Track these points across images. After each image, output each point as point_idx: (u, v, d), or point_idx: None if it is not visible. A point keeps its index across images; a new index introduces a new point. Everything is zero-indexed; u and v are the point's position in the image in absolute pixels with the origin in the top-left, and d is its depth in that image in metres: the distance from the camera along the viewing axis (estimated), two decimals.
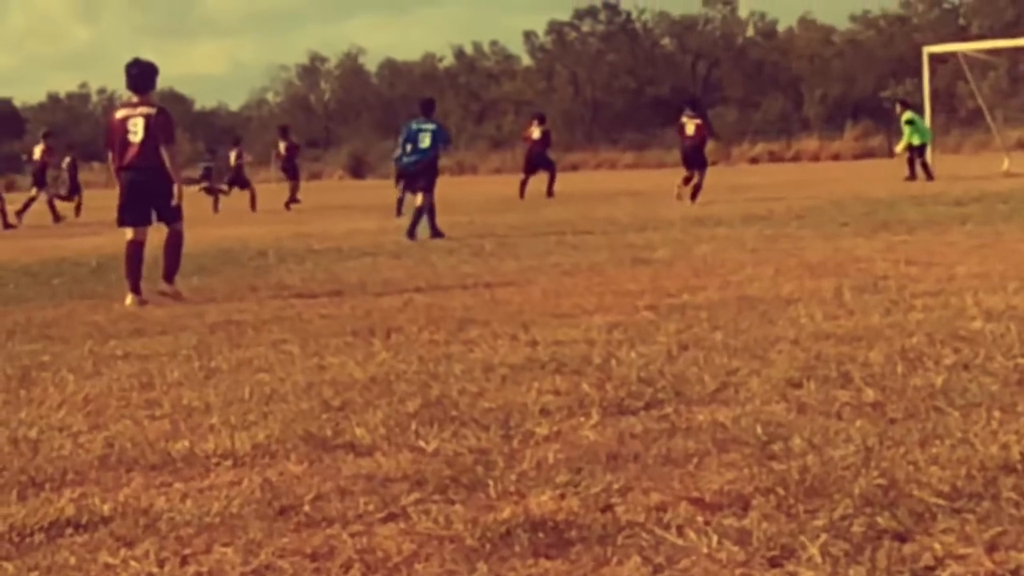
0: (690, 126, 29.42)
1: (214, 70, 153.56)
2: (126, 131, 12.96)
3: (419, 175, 20.95)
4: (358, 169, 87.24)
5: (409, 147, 21.00)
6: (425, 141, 20.84)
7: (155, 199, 13.02)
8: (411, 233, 20.15)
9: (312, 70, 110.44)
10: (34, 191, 35.54)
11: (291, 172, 37.94)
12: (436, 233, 20.32)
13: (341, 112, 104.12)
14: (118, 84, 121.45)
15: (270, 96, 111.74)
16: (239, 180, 38.27)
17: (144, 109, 13.02)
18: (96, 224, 31.54)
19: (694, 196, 28.39)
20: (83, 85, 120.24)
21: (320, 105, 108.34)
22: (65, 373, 8.34)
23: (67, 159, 39.27)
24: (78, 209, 36.87)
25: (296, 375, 7.81)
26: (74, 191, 38.24)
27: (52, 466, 5.77)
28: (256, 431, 6.22)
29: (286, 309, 11.50)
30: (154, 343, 9.65)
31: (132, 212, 13.14)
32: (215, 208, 36.51)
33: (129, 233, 13.13)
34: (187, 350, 9.14)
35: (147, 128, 12.89)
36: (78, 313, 12.02)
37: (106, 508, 5.03)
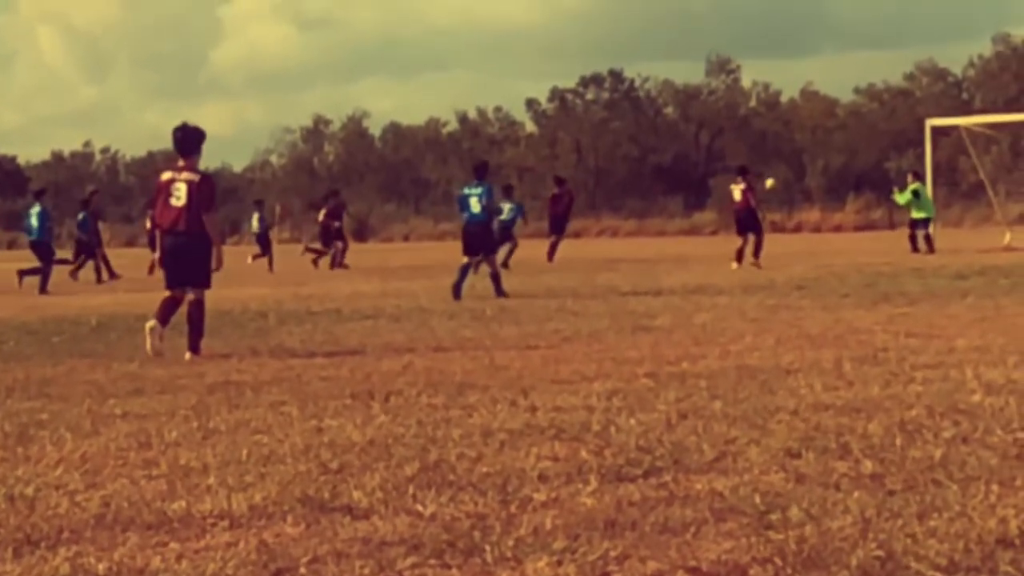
0: (736, 192, 29.65)
1: (220, 131, 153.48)
2: (169, 194, 13.21)
3: (476, 238, 21.34)
4: (360, 232, 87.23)
5: (466, 215, 21.42)
6: (475, 206, 21.21)
7: (189, 263, 13.24)
8: (498, 291, 20.81)
9: (316, 132, 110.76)
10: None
11: (338, 235, 38.23)
12: (500, 292, 20.88)
13: (344, 175, 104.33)
14: (122, 143, 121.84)
15: (274, 158, 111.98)
16: (326, 235, 38.45)
17: (187, 175, 13.25)
18: (96, 283, 31.58)
19: (756, 254, 28.52)
20: (87, 144, 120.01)
21: (323, 168, 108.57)
22: (63, 431, 8.33)
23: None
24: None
25: (294, 437, 7.80)
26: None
27: (48, 524, 5.76)
28: (253, 492, 6.21)
29: (285, 371, 11.50)
30: (152, 403, 9.65)
31: (172, 276, 13.48)
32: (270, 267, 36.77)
33: (167, 292, 13.49)
34: (185, 410, 9.13)
35: (189, 194, 13.10)
36: (77, 372, 12.02)
37: (101, 567, 5.02)
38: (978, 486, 5.82)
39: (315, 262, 37.63)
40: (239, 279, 27.96)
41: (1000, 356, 10.68)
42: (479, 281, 21.31)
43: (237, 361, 12.47)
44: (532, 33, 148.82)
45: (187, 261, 13.29)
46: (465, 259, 21.15)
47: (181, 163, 13.44)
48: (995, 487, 5.80)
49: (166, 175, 13.50)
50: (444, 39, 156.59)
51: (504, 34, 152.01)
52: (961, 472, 6.15)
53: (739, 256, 28.85)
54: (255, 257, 38.77)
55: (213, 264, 13.38)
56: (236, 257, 38.45)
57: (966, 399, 8.42)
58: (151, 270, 34.61)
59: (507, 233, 31.53)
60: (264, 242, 39.48)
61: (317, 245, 39.03)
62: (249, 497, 6.10)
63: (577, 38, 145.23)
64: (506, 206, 32.99)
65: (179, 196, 13.18)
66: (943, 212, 48.65)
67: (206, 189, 13.32)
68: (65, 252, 35.97)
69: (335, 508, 5.86)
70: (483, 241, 21.33)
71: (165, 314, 13.32)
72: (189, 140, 13.56)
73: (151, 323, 13.22)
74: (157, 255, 13.76)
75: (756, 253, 28.64)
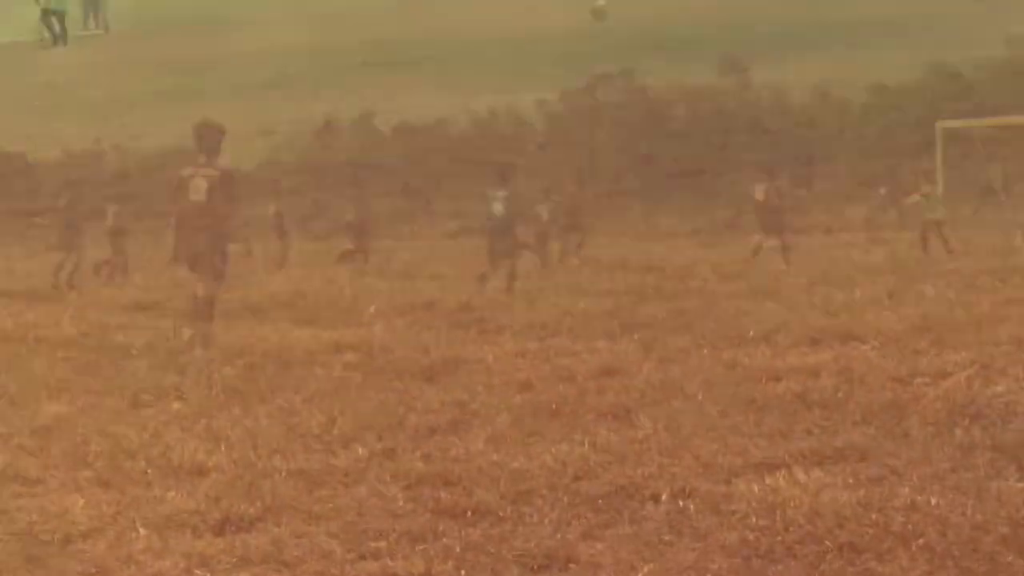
0: (759, 192, 29.38)
1: (229, 130, 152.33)
2: (187, 189, 13.22)
3: (499, 242, 21.48)
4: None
5: (488, 218, 21.67)
6: (499, 209, 21.36)
7: (203, 258, 13.34)
8: (509, 289, 21.09)
9: (326, 131, 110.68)
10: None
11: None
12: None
13: (354, 174, 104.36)
14: (133, 142, 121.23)
15: (283, 156, 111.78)
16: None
17: (207, 171, 13.36)
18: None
19: (787, 259, 28.20)
20: (97, 142, 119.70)
21: (333, 166, 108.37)
22: None
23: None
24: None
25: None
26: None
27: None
28: None
29: (292, 372, 11.48)
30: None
31: (190, 269, 13.65)
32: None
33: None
34: None
35: (209, 190, 13.15)
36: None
37: None
38: None
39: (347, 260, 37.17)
40: (244, 277, 27.99)
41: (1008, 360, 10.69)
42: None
43: (242, 362, 12.48)
44: (543, 33, 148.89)
45: (201, 256, 13.31)
46: (489, 263, 21.35)
47: (201, 159, 13.47)
48: None
49: (186, 171, 13.56)
50: (454, 38, 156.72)
51: (515, 34, 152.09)
52: None
53: (756, 252, 28.72)
54: (281, 258, 38.12)
55: (242, 251, 13.63)
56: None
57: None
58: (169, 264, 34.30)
59: (543, 233, 31.44)
60: (279, 232, 39.08)
61: (350, 246, 38.83)
62: None
63: (588, 38, 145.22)
64: (543, 207, 32.86)
65: (198, 191, 13.23)
66: (952, 214, 48.49)
67: (228, 185, 13.36)
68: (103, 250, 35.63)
69: None
70: (506, 244, 21.37)
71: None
72: (208, 137, 13.62)
73: (187, 333, 13.32)
74: (172, 250, 13.77)
75: (786, 258, 28.35)
